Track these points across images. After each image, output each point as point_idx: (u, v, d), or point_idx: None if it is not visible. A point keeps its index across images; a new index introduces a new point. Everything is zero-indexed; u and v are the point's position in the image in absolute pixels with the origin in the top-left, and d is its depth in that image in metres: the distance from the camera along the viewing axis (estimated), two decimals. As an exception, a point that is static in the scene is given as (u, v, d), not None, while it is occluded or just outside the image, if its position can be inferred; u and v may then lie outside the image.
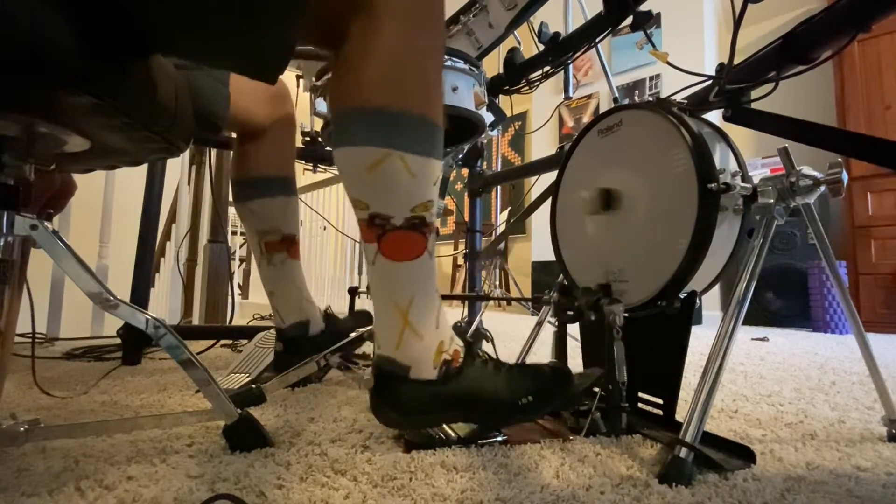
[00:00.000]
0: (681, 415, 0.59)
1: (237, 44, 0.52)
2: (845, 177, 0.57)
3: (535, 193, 1.37)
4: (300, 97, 1.43)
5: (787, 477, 0.53)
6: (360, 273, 3.14)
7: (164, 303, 2.48)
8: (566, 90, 1.61)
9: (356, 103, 0.56)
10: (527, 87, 1.29)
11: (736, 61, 0.66)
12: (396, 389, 0.59)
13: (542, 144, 4.05)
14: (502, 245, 3.92)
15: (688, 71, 0.74)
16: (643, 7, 0.93)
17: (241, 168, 0.99)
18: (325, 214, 3.22)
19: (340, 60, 0.58)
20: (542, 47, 1.19)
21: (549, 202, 0.93)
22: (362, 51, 0.55)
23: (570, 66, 1.39)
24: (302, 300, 1.01)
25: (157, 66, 0.55)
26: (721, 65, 0.67)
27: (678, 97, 0.77)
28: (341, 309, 1.20)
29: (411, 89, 0.57)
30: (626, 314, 0.70)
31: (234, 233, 3.81)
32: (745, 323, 1.07)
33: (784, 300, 2.68)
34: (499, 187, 3.87)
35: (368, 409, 0.76)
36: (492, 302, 3.65)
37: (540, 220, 3.93)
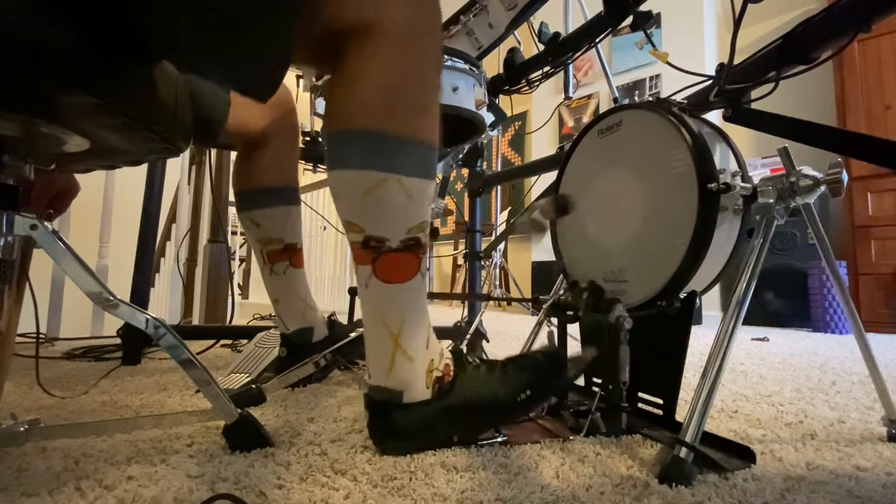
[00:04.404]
0: (681, 415, 0.59)
1: (231, 62, 0.53)
2: (845, 177, 0.57)
3: (535, 193, 1.37)
4: (300, 97, 1.42)
5: (787, 477, 0.53)
6: (360, 273, 3.14)
7: (164, 303, 2.48)
8: (566, 90, 1.61)
9: (353, 126, 0.55)
10: (527, 87, 1.29)
11: (736, 61, 0.66)
12: (392, 416, 0.59)
13: (542, 144, 4.05)
14: (502, 246, 3.91)
15: (688, 71, 0.74)
16: (643, 7, 0.93)
17: (243, 178, 0.98)
18: (325, 214, 3.22)
19: (337, 82, 0.57)
20: (542, 47, 1.18)
21: (549, 202, 0.93)
22: (359, 73, 0.55)
23: (570, 66, 1.38)
24: (305, 308, 1.01)
25: (157, 67, 0.55)
26: (721, 65, 0.67)
27: (678, 97, 0.77)
28: (341, 308, 1.20)
29: (409, 112, 0.57)
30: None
31: (234, 233, 3.81)
32: (745, 323, 1.07)
33: (784, 300, 2.68)
34: (499, 187, 3.87)
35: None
36: (492, 302, 3.65)
37: (540, 220, 3.92)
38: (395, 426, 0.58)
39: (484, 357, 0.70)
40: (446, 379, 0.61)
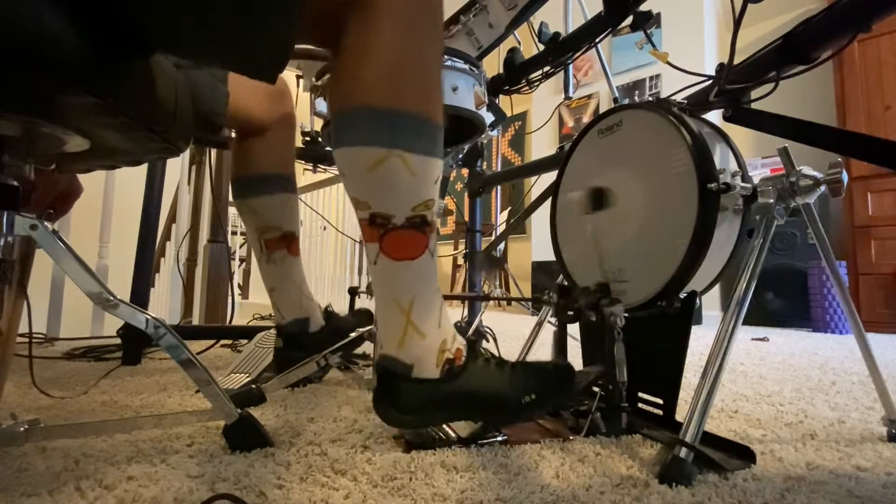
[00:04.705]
0: (681, 415, 0.59)
1: (236, 44, 0.53)
2: (845, 177, 0.57)
3: (535, 193, 1.37)
4: (300, 97, 1.43)
5: (787, 477, 0.53)
6: (359, 273, 3.14)
7: (164, 303, 2.48)
8: (566, 90, 1.61)
9: (356, 103, 0.56)
10: (527, 87, 1.29)
11: (736, 61, 0.66)
12: (399, 388, 0.59)
13: (542, 144, 4.05)
14: (502, 245, 3.91)
15: (688, 71, 0.74)
16: (643, 7, 0.93)
17: (241, 165, 0.99)
18: (325, 214, 3.22)
19: (339, 60, 0.57)
20: (542, 47, 1.18)
21: (549, 202, 0.93)
22: (361, 49, 0.55)
23: (570, 66, 1.39)
24: (302, 297, 1.01)
25: (157, 66, 0.55)
26: (721, 65, 0.67)
27: (678, 97, 0.77)
28: (341, 309, 1.20)
29: (411, 88, 0.57)
30: (627, 314, 0.70)
31: (234, 233, 3.81)
32: (745, 323, 1.07)
33: (784, 300, 2.68)
34: (499, 187, 3.87)
35: (368, 409, 0.77)
36: (492, 302, 3.65)
37: (540, 220, 3.92)
38: (402, 399, 0.59)
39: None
40: (457, 363, 0.61)
